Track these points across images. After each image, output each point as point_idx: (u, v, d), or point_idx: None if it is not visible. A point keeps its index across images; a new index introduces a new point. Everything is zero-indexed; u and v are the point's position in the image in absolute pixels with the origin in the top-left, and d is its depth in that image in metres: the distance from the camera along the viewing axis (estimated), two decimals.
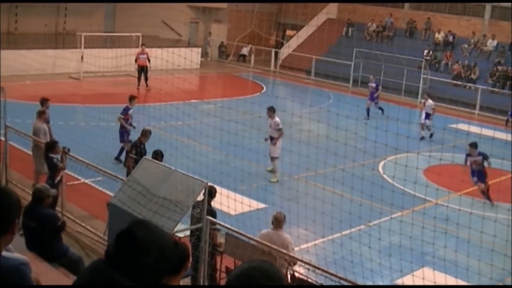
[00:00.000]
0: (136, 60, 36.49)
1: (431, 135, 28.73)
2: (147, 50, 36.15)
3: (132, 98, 22.06)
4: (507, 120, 34.69)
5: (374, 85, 34.81)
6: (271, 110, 21.64)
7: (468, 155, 21.61)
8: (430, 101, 29.91)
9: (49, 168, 15.68)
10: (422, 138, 28.27)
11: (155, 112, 23.19)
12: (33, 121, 19.07)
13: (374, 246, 13.85)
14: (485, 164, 21.32)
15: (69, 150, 15.74)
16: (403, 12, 50.33)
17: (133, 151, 17.77)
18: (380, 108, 33.90)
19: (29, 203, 11.47)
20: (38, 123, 18.87)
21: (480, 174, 21.38)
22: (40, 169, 18.03)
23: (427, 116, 29.27)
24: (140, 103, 27.49)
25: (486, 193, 21.35)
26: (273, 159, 21.15)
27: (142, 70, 36.50)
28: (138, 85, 36.36)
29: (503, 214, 15.43)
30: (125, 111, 21.85)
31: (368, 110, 33.38)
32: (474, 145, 21.67)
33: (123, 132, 21.71)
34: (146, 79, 36.24)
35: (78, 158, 16.22)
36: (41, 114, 19.06)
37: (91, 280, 3.60)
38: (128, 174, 15.75)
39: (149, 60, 36.04)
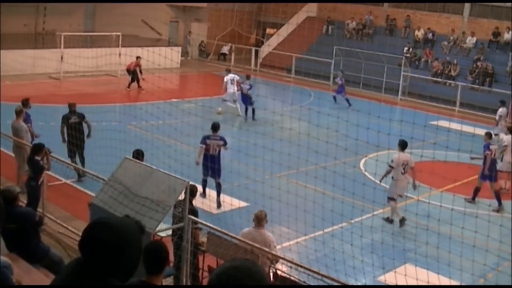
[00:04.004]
0: (130, 67, 36.50)
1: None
2: (141, 62, 36.04)
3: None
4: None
5: (340, 82, 36.10)
6: None
7: (489, 144, 21.20)
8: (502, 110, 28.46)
9: (34, 170, 15.61)
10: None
11: (136, 112, 23.16)
12: (12, 122, 19.00)
13: (356, 243, 13.90)
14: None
15: (50, 151, 15.72)
16: (383, 10, 50.48)
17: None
18: (347, 100, 34.83)
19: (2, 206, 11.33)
20: (18, 122, 18.79)
21: (495, 168, 21.09)
22: (22, 168, 18.01)
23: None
24: (121, 103, 27.43)
25: (498, 196, 20.91)
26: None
27: (134, 73, 36.49)
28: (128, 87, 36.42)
29: (484, 210, 15.51)
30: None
31: (334, 98, 35.27)
32: (490, 135, 21.69)
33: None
34: (138, 80, 36.34)
35: (59, 159, 16.16)
36: (20, 113, 18.97)
37: (67, 280, 3.58)
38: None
39: (141, 72, 36.24)
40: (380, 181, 18.73)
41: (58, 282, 3.78)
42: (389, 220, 18.78)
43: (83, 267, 3.46)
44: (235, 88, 31.13)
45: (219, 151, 19.20)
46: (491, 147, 21.13)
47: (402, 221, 18.32)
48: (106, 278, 3.39)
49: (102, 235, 3.43)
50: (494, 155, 21.06)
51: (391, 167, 18.55)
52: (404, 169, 18.55)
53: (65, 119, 20.03)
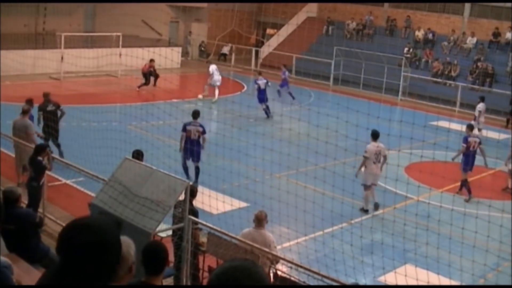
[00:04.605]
0: (144, 69, 36.80)
1: None
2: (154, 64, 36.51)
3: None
4: (508, 120, 35.12)
5: (283, 76, 36.52)
6: None
7: (468, 136, 21.85)
8: None
9: (36, 170, 15.62)
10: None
11: (137, 112, 23.14)
12: (16, 120, 19.10)
13: (356, 243, 13.91)
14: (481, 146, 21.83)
15: (51, 151, 15.78)
16: (383, 10, 50.48)
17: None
18: (290, 94, 35.67)
19: (2, 207, 11.35)
20: (24, 120, 18.92)
21: (474, 159, 21.72)
22: (19, 166, 18.10)
23: None
24: (121, 103, 27.44)
25: (464, 184, 21.75)
26: None
27: (150, 74, 36.81)
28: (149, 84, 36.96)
29: (484, 210, 15.51)
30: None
31: (278, 92, 35.54)
32: (471, 127, 22.60)
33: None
34: (155, 78, 36.83)
35: (59, 159, 16.17)
36: (27, 112, 19.21)
37: (49, 280, 3.57)
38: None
39: (156, 73, 36.86)
40: (357, 171, 19.41)
41: (41, 282, 3.77)
42: (364, 210, 19.48)
43: (64, 270, 3.40)
44: (219, 77, 35.34)
45: (199, 136, 20.45)
46: (469, 139, 21.67)
47: (377, 206, 19.38)
48: (88, 279, 3.36)
49: (80, 237, 3.36)
50: (473, 147, 21.58)
51: (365, 157, 19.36)
52: (376, 158, 19.38)
53: (43, 107, 21.13)
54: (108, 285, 3.51)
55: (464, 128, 21.87)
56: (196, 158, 20.40)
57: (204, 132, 20.52)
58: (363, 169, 19.60)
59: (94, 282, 3.39)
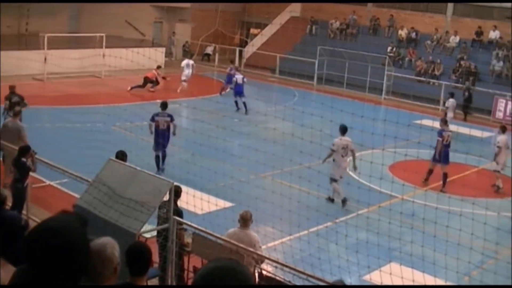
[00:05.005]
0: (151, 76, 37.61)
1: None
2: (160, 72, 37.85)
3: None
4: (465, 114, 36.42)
5: (229, 71, 36.74)
6: None
7: (442, 130, 22.58)
8: None
9: (21, 172, 15.55)
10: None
11: (121, 112, 23.12)
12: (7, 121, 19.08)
13: (341, 242, 13.92)
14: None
15: (35, 152, 15.68)
16: (367, 10, 50.56)
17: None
18: (223, 89, 37.19)
19: None
20: (15, 121, 18.87)
21: (447, 153, 22.27)
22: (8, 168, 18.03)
23: None
24: (105, 104, 27.38)
25: (445, 178, 22.28)
26: None
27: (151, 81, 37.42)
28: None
29: (468, 208, 15.57)
30: None
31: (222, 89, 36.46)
32: (445, 121, 23.54)
33: None
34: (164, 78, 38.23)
35: (43, 160, 16.10)
36: (18, 113, 19.18)
37: (19, 280, 3.56)
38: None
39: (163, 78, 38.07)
40: (323, 161, 19.81)
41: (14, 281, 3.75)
42: (331, 200, 19.96)
43: (32, 273, 3.37)
44: (190, 71, 37.18)
45: (168, 126, 21.58)
46: (443, 133, 22.31)
47: (344, 201, 19.62)
48: (58, 280, 3.34)
49: (45, 242, 3.32)
50: (447, 140, 22.20)
51: (333, 150, 19.78)
52: (344, 152, 19.80)
53: (8, 98, 22.44)
54: (79, 284, 3.50)
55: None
56: (165, 144, 21.55)
57: (172, 119, 21.62)
58: (332, 162, 19.95)
59: (64, 282, 3.37)
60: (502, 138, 22.65)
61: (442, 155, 22.04)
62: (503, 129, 23.14)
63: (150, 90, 36.42)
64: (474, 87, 38.78)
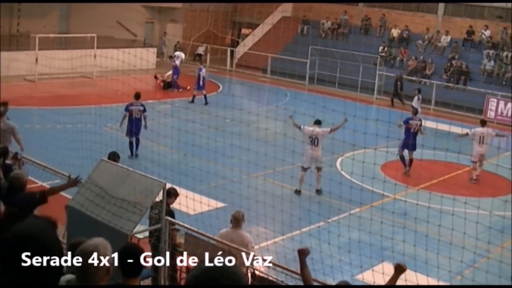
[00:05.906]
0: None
1: None
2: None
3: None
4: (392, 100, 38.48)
5: (201, 72, 36.48)
6: None
7: (410, 118, 23.73)
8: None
9: (6, 175, 15.46)
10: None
11: (112, 113, 23.07)
12: None
13: (334, 242, 13.92)
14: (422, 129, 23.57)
15: (17, 154, 15.53)
16: (358, 9, 50.59)
17: None
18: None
19: (7, 191, 11.24)
20: (6, 122, 18.79)
21: (415, 140, 23.08)
22: None
23: None
24: (96, 105, 27.29)
25: (411, 162, 23.27)
26: None
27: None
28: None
29: (460, 207, 15.58)
30: None
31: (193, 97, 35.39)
32: (415, 111, 25.29)
33: None
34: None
35: (34, 161, 16.04)
36: (3, 114, 19.06)
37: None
38: None
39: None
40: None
41: None
42: (298, 192, 20.05)
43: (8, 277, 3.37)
44: (176, 63, 39.54)
45: (141, 115, 23.19)
46: (410, 121, 23.38)
47: (297, 192, 19.91)
48: (34, 282, 3.34)
49: (18, 247, 3.33)
50: (414, 129, 23.29)
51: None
52: (312, 141, 19.84)
53: None
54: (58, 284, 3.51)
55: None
56: (138, 132, 23.04)
57: (144, 110, 23.27)
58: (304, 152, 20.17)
59: (42, 283, 3.39)
60: (476, 130, 23.49)
61: (410, 143, 22.72)
62: (482, 123, 24.01)
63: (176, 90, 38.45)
64: (466, 86, 38.89)
